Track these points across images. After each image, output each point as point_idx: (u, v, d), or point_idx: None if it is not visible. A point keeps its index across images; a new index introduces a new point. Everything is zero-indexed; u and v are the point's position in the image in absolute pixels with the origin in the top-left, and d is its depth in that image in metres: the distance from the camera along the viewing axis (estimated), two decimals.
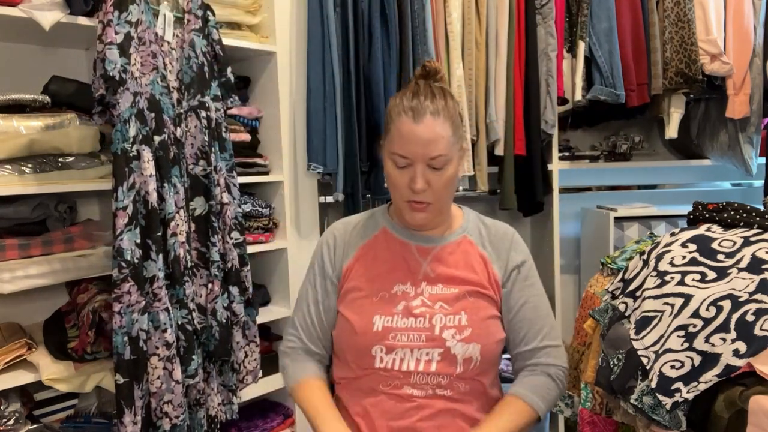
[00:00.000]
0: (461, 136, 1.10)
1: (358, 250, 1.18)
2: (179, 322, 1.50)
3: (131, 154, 1.41)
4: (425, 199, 1.07)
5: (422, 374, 1.07)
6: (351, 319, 1.12)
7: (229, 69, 1.67)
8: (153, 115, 1.47)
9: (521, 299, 1.15)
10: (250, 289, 1.71)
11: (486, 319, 1.11)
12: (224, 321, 1.60)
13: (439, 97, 1.06)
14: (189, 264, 1.54)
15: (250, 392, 1.84)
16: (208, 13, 1.63)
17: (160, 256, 1.44)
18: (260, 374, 1.77)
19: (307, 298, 1.22)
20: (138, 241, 1.41)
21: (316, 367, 1.20)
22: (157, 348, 1.44)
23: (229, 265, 1.62)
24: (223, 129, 1.64)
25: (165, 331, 1.43)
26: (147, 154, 1.43)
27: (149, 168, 1.42)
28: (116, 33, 1.38)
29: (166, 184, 1.48)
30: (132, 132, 1.41)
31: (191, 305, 1.54)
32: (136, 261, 1.40)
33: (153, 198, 1.43)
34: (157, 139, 1.47)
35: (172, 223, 1.48)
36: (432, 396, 1.07)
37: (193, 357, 1.50)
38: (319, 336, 1.21)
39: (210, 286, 1.59)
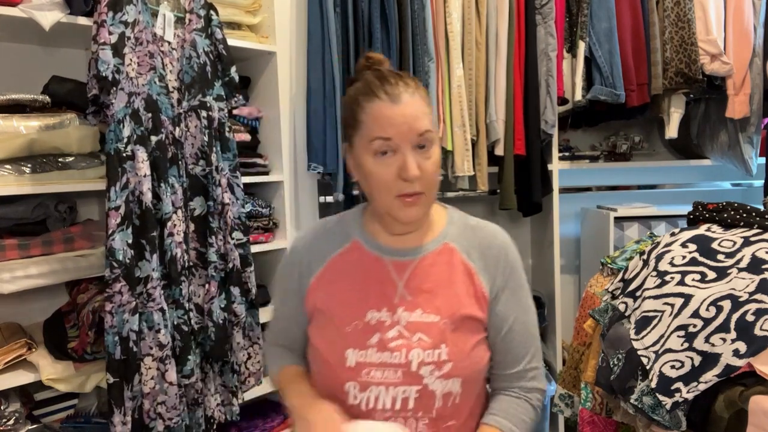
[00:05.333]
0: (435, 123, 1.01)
1: (326, 264, 1.05)
2: (175, 322, 1.49)
3: (125, 154, 1.41)
4: (418, 189, 0.93)
5: (399, 411, 0.96)
6: (321, 349, 1.01)
7: (233, 68, 1.67)
8: (150, 115, 1.46)
9: (511, 317, 1.02)
10: (254, 290, 1.69)
11: (470, 349, 0.98)
12: (220, 322, 1.59)
13: (408, 79, 0.96)
14: (187, 264, 1.54)
15: (250, 392, 1.84)
16: (212, 12, 1.63)
17: (155, 256, 1.44)
18: (263, 376, 1.77)
19: (282, 316, 1.13)
20: (130, 241, 1.41)
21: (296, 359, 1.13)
22: (151, 348, 1.43)
23: (230, 265, 1.61)
24: (227, 129, 1.64)
25: (159, 331, 1.43)
26: (142, 154, 1.43)
27: (143, 168, 1.42)
28: (110, 33, 1.38)
29: (163, 184, 1.48)
30: (126, 132, 1.41)
31: (188, 305, 1.53)
32: (128, 261, 1.40)
33: (147, 198, 1.43)
34: (154, 139, 1.47)
35: (169, 223, 1.48)
36: (412, 426, 0.98)
37: (189, 357, 1.50)
38: (300, 350, 1.12)
39: (207, 286, 1.59)
